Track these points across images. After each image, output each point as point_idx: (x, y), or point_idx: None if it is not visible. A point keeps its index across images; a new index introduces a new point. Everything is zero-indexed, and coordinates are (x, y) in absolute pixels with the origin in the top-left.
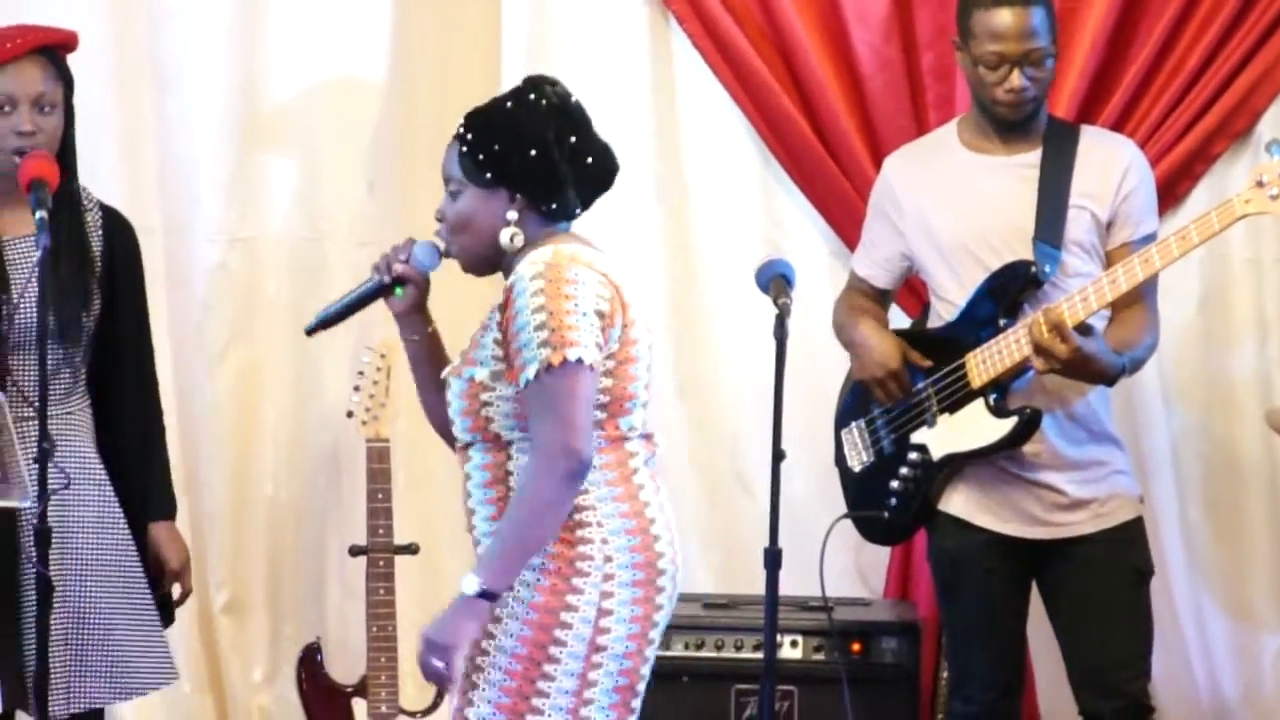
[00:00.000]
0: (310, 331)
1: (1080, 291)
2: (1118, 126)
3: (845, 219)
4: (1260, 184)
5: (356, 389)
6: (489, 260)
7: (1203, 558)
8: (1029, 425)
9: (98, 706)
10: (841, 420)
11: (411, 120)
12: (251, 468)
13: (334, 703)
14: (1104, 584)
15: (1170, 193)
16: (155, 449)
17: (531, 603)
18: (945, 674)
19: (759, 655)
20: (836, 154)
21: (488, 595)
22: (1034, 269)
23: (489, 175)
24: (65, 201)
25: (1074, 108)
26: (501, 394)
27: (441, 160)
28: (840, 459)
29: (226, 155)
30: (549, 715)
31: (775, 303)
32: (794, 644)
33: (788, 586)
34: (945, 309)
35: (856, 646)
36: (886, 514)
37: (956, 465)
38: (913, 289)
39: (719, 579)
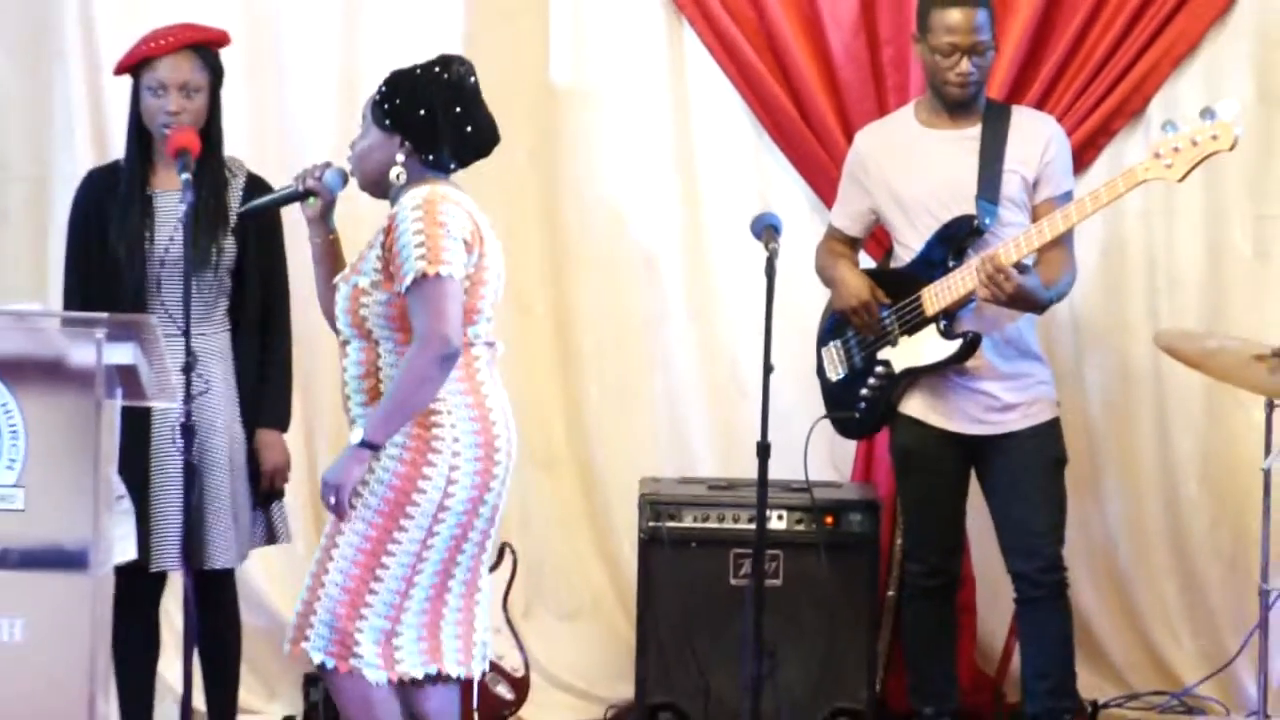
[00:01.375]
0: (240, 216)
1: (1014, 239)
2: (1039, 105)
3: (821, 180)
4: (1157, 155)
5: None
6: (379, 187)
7: (1103, 448)
8: (971, 346)
9: (228, 566)
10: (821, 340)
11: None
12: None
13: None
14: (1029, 469)
15: (1079, 160)
16: (273, 370)
17: (395, 472)
18: (899, 542)
19: (752, 526)
20: (814, 129)
21: (370, 445)
22: (976, 221)
23: (387, 122)
24: (207, 167)
25: (1005, 90)
26: (378, 299)
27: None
28: (820, 371)
29: (331, 135)
30: (398, 558)
31: (766, 247)
32: (780, 517)
33: (775, 472)
34: (905, 253)
35: (830, 519)
36: (857, 415)
37: (914, 377)
38: (877, 238)
39: (721, 466)
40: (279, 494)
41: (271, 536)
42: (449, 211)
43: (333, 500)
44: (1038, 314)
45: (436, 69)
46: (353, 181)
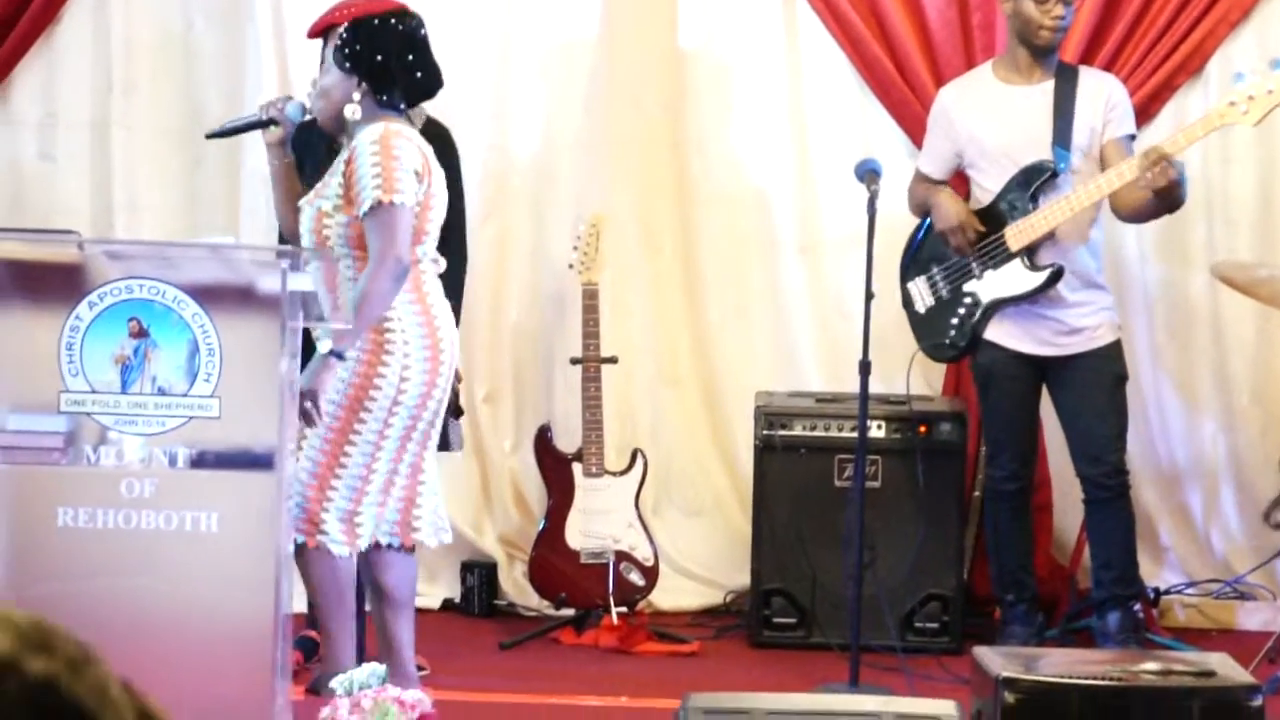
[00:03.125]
0: (209, 137)
1: (1170, 137)
2: (1110, 64)
3: (917, 130)
4: (1232, 104)
5: (575, 248)
6: (336, 123)
7: (1163, 368)
8: (1055, 277)
9: None
10: (904, 275)
11: (612, 72)
12: (503, 304)
13: (559, 466)
14: (1094, 386)
15: (1145, 112)
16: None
17: (354, 372)
18: (983, 449)
19: (854, 434)
20: (911, 84)
21: (336, 354)
22: (1051, 165)
23: (347, 65)
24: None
25: (1080, 51)
26: (339, 221)
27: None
28: (907, 303)
29: (488, 91)
30: (359, 448)
31: (868, 188)
32: (879, 427)
33: (874, 387)
34: (984, 195)
35: (923, 428)
36: (948, 342)
37: (998, 306)
38: (959, 179)
39: (827, 381)
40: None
41: (446, 444)
42: (402, 146)
43: (308, 405)
44: (1171, 211)
45: (392, 20)
46: None
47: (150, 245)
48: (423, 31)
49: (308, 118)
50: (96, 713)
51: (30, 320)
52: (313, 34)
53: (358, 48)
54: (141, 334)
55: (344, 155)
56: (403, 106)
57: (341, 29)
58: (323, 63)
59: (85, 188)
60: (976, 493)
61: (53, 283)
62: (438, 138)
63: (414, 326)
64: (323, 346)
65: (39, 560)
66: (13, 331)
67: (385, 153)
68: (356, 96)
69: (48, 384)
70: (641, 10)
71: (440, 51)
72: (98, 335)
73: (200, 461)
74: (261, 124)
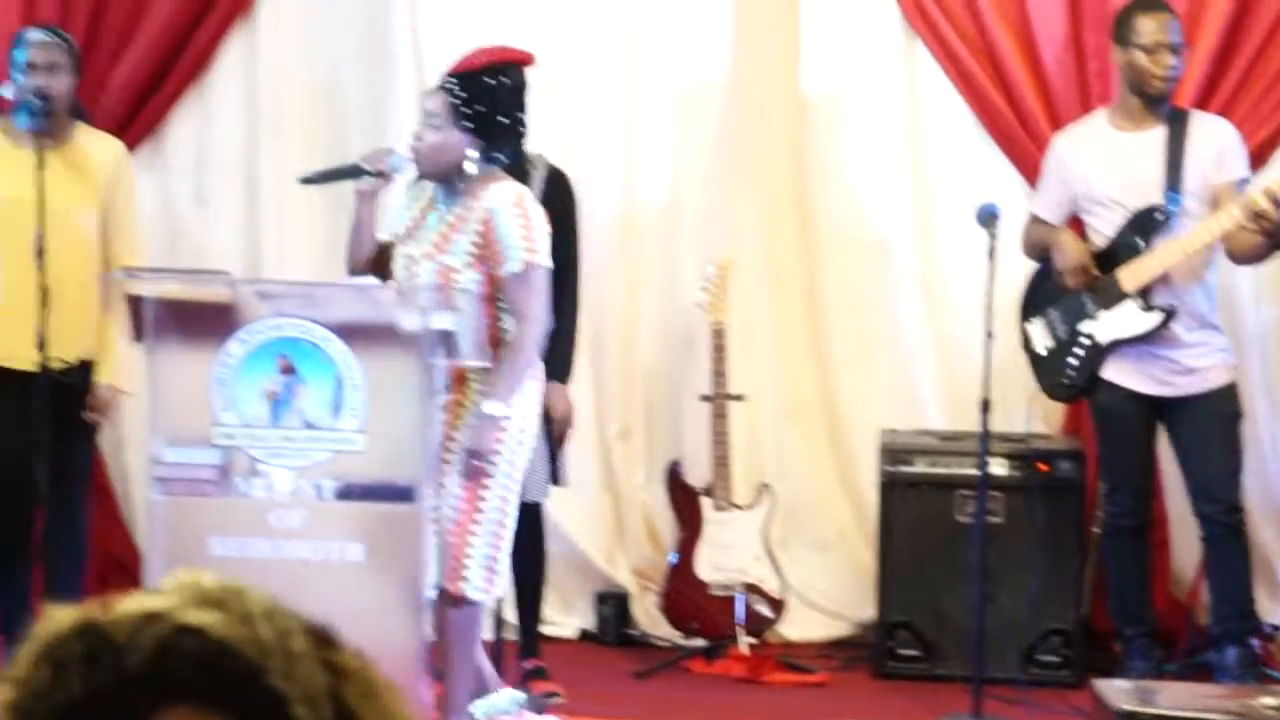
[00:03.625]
0: (303, 182)
1: (1276, 180)
2: (1225, 108)
3: (1033, 173)
4: None
5: (703, 289)
6: (445, 176)
7: (1277, 405)
8: (1169, 317)
9: (537, 500)
10: (1023, 316)
11: (739, 116)
12: (634, 343)
13: (689, 499)
14: (1209, 426)
15: (1260, 156)
16: (564, 331)
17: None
18: (1102, 486)
19: (976, 471)
20: (1028, 130)
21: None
22: (1163, 209)
23: (469, 125)
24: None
25: (1194, 97)
26: (469, 277)
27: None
28: (1026, 344)
29: (617, 135)
30: (494, 491)
31: (987, 232)
32: (1000, 464)
33: (995, 425)
34: (1097, 238)
35: (1043, 466)
36: (1067, 382)
37: (1114, 346)
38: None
39: (949, 419)
40: (562, 440)
41: (555, 478)
42: (534, 208)
43: (476, 463)
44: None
45: (504, 77)
46: None
47: (298, 285)
48: (526, 84)
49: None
50: (259, 661)
51: (185, 357)
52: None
53: (479, 108)
54: (290, 370)
55: (469, 213)
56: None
57: (454, 84)
58: (433, 113)
59: (236, 230)
60: (1096, 529)
61: (206, 321)
62: (559, 185)
63: (530, 381)
64: (493, 409)
65: None
66: (168, 368)
67: (525, 215)
68: (474, 154)
69: (201, 418)
70: (767, 56)
71: (571, 94)
72: (249, 371)
73: (345, 493)
74: (364, 173)
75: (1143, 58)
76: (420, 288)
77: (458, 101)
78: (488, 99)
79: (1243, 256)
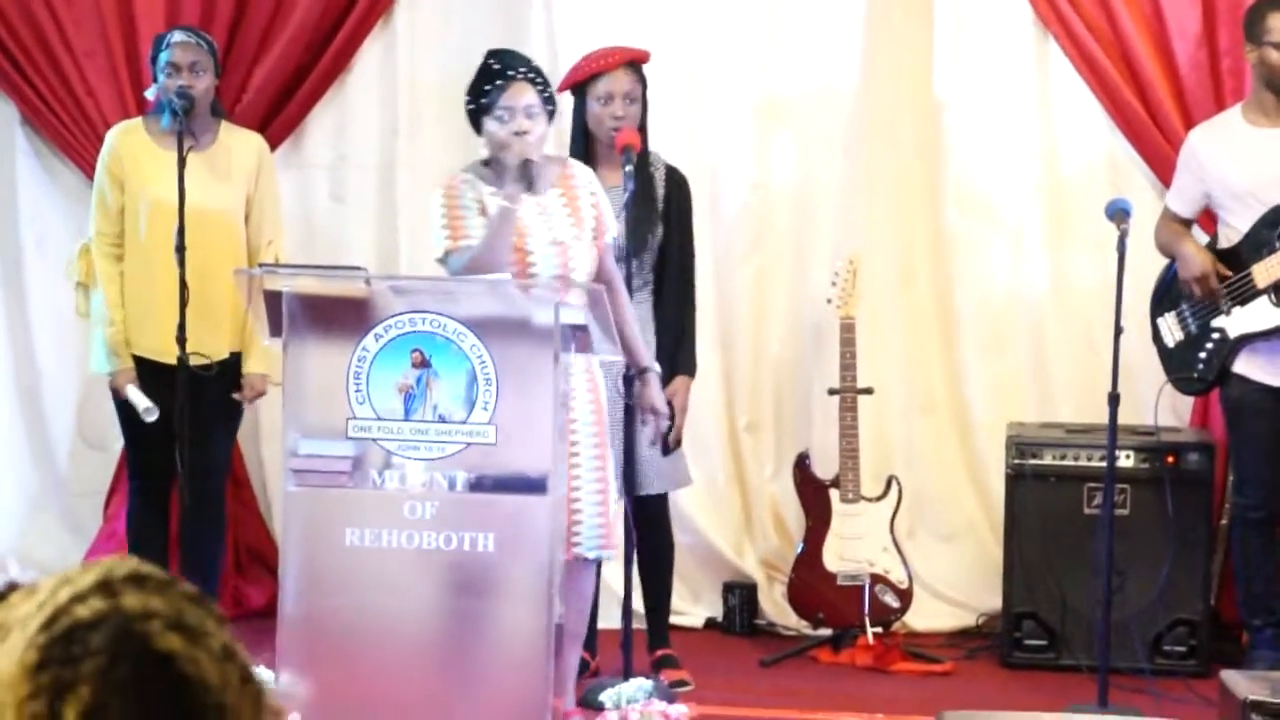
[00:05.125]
0: None
1: None
2: None
3: (1166, 171)
4: None
5: (833, 284)
6: (527, 166)
7: None
8: None
9: (662, 492)
10: (1155, 310)
11: (871, 116)
12: (764, 337)
13: (817, 491)
14: None
15: None
16: (685, 326)
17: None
18: (1231, 478)
19: (1104, 464)
20: (1161, 127)
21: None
22: None
23: (550, 111)
24: (641, 162)
25: None
26: (586, 253)
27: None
28: (1157, 338)
29: (750, 130)
30: (609, 460)
31: (1118, 227)
32: (1128, 456)
33: (1123, 418)
34: (1232, 234)
35: (1171, 458)
36: (1196, 376)
37: (1245, 341)
38: (1209, 215)
39: (1077, 413)
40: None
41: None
42: None
43: (665, 423)
44: None
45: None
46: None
47: (432, 280)
48: None
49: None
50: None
51: (320, 351)
52: (566, 86)
53: (555, 99)
54: (424, 364)
55: (575, 191)
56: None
57: (536, 75)
58: (534, 105)
59: (372, 226)
60: (1224, 521)
61: (342, 316)
62: (677, 184)
63: None
64: (656, 365)
65: (329, 576)
66: (304, 361)
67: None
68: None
69: (337, 411)
70: (899, 59)
71: (704, 93)
72: (383, 365)
73: (478, 485)
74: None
75: (1275, 55)
76: (552, 279)
77: (547, 95)
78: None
79: None
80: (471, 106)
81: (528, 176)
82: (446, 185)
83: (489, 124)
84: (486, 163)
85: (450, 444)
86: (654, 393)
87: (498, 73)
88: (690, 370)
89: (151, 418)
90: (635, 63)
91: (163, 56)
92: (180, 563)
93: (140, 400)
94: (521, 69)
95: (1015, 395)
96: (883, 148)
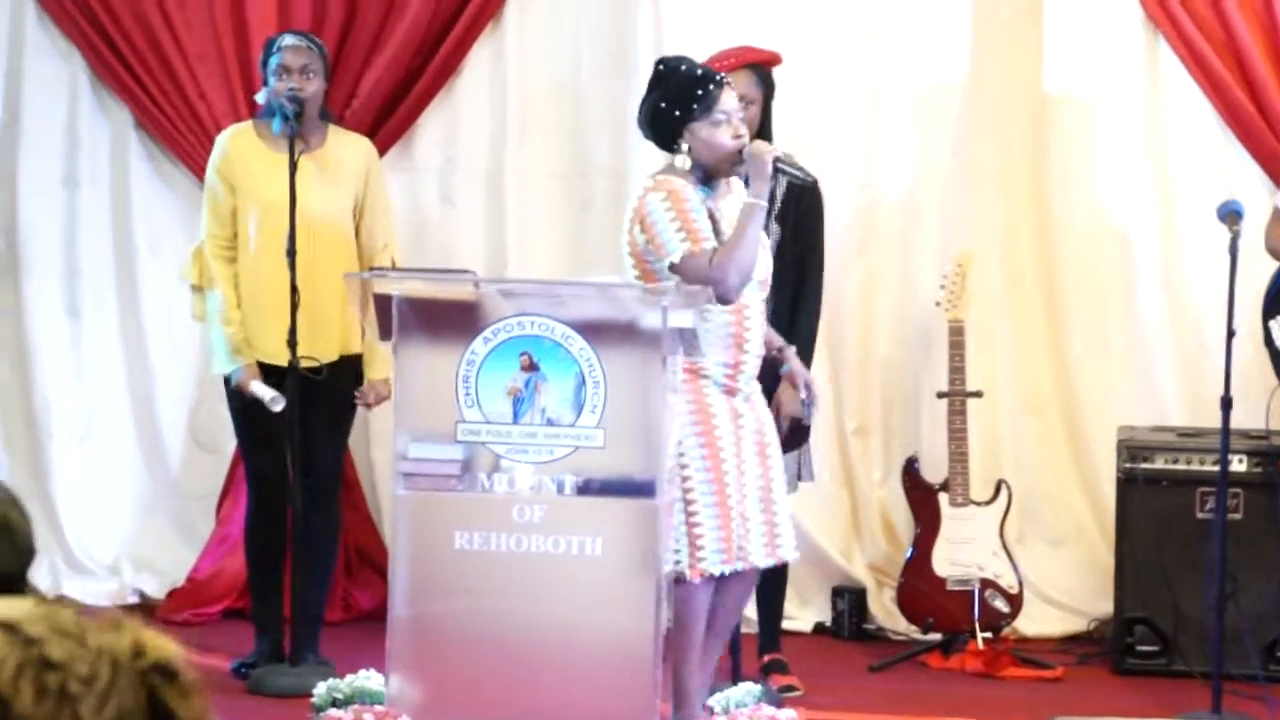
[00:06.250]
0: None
1: None
2: None
3: (1277, 170)
4: None
5: (942, 286)
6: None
7: None
8: None
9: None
10: (1268, 312)
11: (979, 114)
12: (872, 340)
13: (926, 495)
14: None
15: None
16: (801, 325)
17: None
18: None
19: (1216, 468)
20: (1272, 126)
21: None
22: None
23: None
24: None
25: None
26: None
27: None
28: (1269, 341)
29: (859, 135)
30: None
31: (1230, 229)
32: (1240, 461)
33: (1235, 422)
34: None
35: None
36: None
37: None
38: None
39: (1188, 416)
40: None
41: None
42: None
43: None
44: None
45: None
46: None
47: (541, 284)
48: None
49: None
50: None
51: (430, 354)
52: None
53: None
54: (532, 368)
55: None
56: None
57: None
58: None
59: (480, 230)
60: None
61: (451, 319)
62: (801, 189)
63: None
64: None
65: (438, 579)
66: (414, 365)
67: None
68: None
69: (446, 415)
70: (1008, 55)
71: (812, 93)
72: (492, 369)
73: (586, 489)
74: (803, 182)
75: None
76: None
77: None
78: None
79: None
80: (679, 112)
81: (739, 179)
82: (666, 189)
83: (703, 130)
84: (686, 168)
85: (559, 447)
86: (799, 365)
87: (707, 77)
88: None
89: (279, 407)
90: (760, 65)
91: (273, 60)
92: (294, 565)
93: (266, 392)
94: (719, 74)
95: (1125, 398)
96: (991, 146)
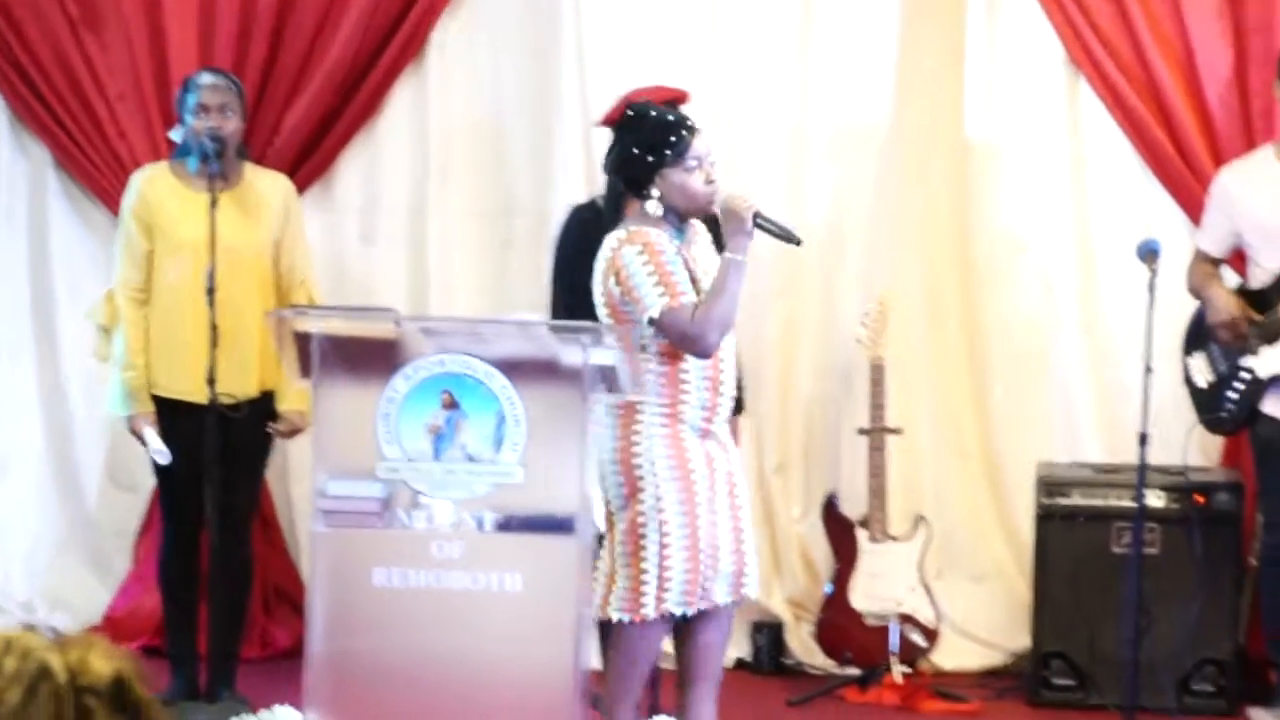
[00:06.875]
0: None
1: None
2: None
3: (1196, 208)
4: None
5: (863, 325)
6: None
7: None
8: None
9: None
10: (1186, 350)
11: (902, 156)
12: (794, 377)
13: (845, 531)
14: None
15: None
16: None
17: None
18: (1260, 518)
19: (1133, 503)
20: (1192, 167)
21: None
22: None
23: None
24: None
25: None
26: None
27: None
28: (1187, 378)
29: (782, 176)
30: None
31: (1148, 267)
32: (1157, 496)
33: (1154, 458)
34: (1261, 274)
35: (1200, 498)
36: (1225, 415)
37: (1275, 381)
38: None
39: (1107, 453)
40: None
41: None
42: None
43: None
44: None
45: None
46: None
47: (462, 322)
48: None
49: None
50: None
51: (350, 392)
52: (606, 123)
53: None
54: (453, 405)
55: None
56: None
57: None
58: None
59: (402, 268)
60: (1253, 560)
61: (372, 357)
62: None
63: None
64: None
65: (356, 616)
66: (334, 402)
67: None
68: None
69: (366, 452)
70: (930, 97)
71: (735, 132)
72: (412, 406)
73: (506, 525)
74: (788, 240)
75: None
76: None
77: None
78: None
79: None
80: (651, 158)
81: (710, 226)
82: (642, 241)
83: (675, 175)
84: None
85: (479, 484)
86: None
87: (679, 123)
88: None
89: (164, 461)
90: (675, 103)
91: (190, 98)
92: (209, 602)
93: (154, 442)
94: (689, 120)
95: (1045, 435)
96: (914, 187)
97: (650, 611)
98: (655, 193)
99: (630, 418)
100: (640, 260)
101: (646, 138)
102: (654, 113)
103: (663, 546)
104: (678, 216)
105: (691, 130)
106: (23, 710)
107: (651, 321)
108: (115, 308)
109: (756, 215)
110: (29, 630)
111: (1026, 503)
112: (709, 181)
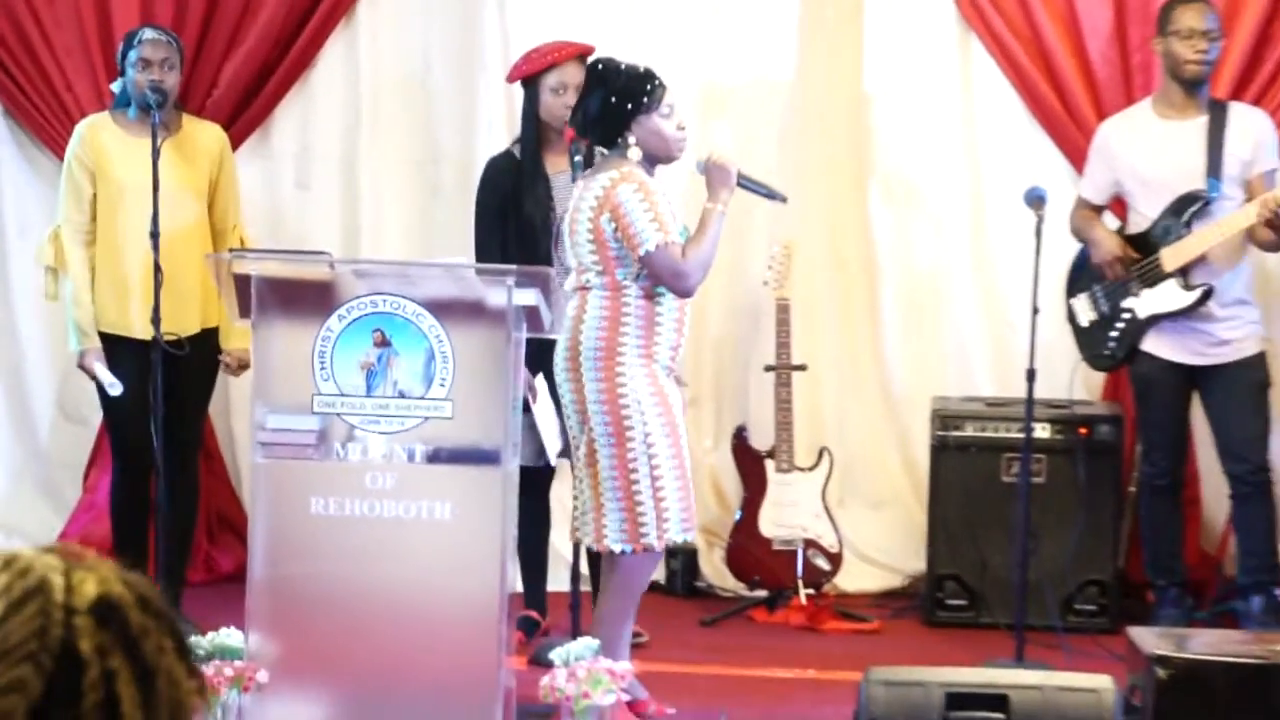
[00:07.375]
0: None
1: None
2: (1259, 100)
3: (1079, 158)
4: None
5: (770, 267)
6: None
7: None
8: (1206, 295)
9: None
10: (1069, 292)
11: (804, 109)
12: (705, 318)
13: (754, 462)
14: (1240, 392)
15: None
16: None
17: None
18: (1139, 448)
19: (1021, 435)
20: (1075, 119)
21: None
22: (1205, 194)
23: None
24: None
25: (1231, 87)
26: None
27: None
28: (1071, 318)
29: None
30: None
31: (1035, 213)
32: (1044, 428)
33: (1041, 392)
34: (1141, 220)
35: (1084, 430)
36: (1107, 353)
37: (1153, 321)
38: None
39: (997, 388)
40: None
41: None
42: None
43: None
44: None
45: None
46: None
47: (392, 265)
48: None
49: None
50: None
51: (287, 331)
52: (519, 77)
53: None
54: (384, 343)
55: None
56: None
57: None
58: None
59: (335, 213)
60: (1132, 488)
61: (307, 298)
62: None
63: None
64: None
65: (295, 543)
66: (272, 342)
67: None
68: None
69: (302, 388)
70: (831, 55)
71: None
72: (346, 345)
73: (435, 457)
74: (772, 197)
75: (1177, 43)
76: None
77: None
78: None
79: (1263, 247)
80: (630, 106)
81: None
82: (637, 181)
83: (653, 121)
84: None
85: (409, 418)
86: None
87: (650, 74)
88: None
89: (115, 392)
90: (584, 56)
91: (132, 53)
92: (157, 530)
93: (105, 376)
94: (656, 73)
95: (939, 371)
96: (815, 138)
97: (653, 541)
98: (631, 140)
99: (611, 359)
100: (637, 198)
101: (623, 88)
102: (625, 66)
103: (654, 479)
104: (650, 163)
105: (661, 83)
106: (4, 622)
107: (646, 255)
108: (60, 248)
109: (740, 174)
110: (48, 550)
111: (922, 435)
112: (680, 128)
